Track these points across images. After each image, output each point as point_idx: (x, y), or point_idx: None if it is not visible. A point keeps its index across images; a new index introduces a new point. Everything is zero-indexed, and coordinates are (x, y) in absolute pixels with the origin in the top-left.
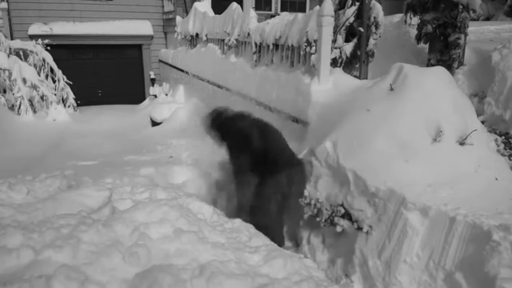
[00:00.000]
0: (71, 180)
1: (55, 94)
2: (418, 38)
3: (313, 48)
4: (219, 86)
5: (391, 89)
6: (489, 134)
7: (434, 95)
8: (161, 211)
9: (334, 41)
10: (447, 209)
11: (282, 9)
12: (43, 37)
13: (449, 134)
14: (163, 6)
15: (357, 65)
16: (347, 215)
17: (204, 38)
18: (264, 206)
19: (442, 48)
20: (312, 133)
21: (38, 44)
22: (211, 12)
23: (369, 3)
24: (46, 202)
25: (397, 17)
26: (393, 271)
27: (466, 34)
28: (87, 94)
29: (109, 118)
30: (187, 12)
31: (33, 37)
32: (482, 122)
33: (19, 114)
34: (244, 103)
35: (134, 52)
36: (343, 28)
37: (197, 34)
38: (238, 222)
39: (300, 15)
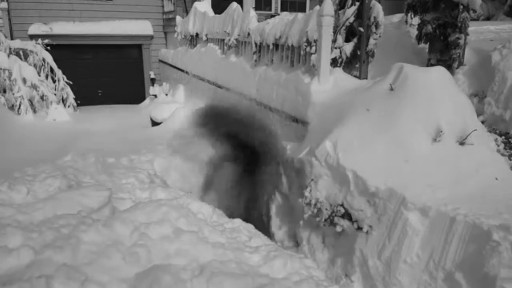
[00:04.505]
0: (71, 180)
1: (55, 94)
2: (418, 38)
3: (313, 48)
4: (219, 86)
5: (391, 89)
6: (489, 134)
7: (434, 95)
8: (161, 211)
9: (334, 41)
10: (447, 209)
11: (282, 9)
12: (43, 37)
13: (449, 134)
14: (163, 6)
15: (357, 65)
16: (347, 215)
17: (204, 38)
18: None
19: (442, 48)
20: (312, 133)
21: (38, 44)
22: (211, 12)
23: (369, 3)
24: (46, 202)
25: (397, 17)
26: (393, 271)
27: (466, 34)
28: (87, 94)
29: (109, 118)
30: (187, 12)
31: (33, 37)
32: (482, 122)
33: (19, 114)
34: (244, 103)
35: (134, 52)
36: (343, 28)
37: (197, 34)
38: (238, 222)
39: (300, 15)
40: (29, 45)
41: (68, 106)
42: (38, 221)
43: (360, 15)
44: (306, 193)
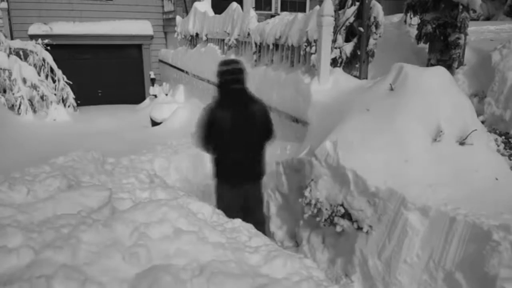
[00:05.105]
0: (71, 180)
1: (55, 94)
2: (418, 38)
3: (313, 48)
4: None
5: (391, 89)
6: (489, 134)
7: (434, 95)
8: (161, 211)
9: (334, 41)
10: (447, 209)
11: (282, 9)
12: (43, 37)
13: (449, 134)
14: (163, 6)
15: (357, 65)
16: (347, 215)
17: (204, 38)
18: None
19: (442, 48)
20: (312, 133)
21: (38, 44)
22: (211, 12)
23: (369, 3)
24: (46, 202)
25: (397, 17)
26: (393, 271)
27: (466, 34)
28: (87, 94)
29: (109, 118)
30: (187, 12)
31: (33, 37)
32: (482, 122)
33: (19, 114)
34: None
35: (134, 52)
36: (343, 28)
37: (197, 34)
38: (238, 222)
39: (300, 15)
40: (29, 45)
41: (68, 106)
42: (38, 221)
43: (360, 15)
44: (306, 193)
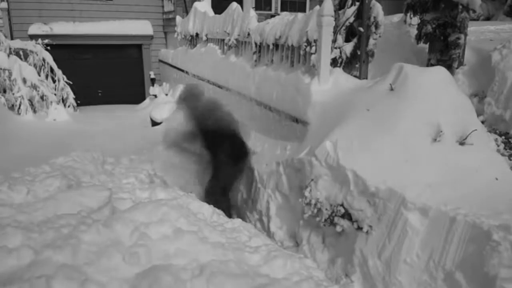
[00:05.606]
0: (71, 180)
1: (55, 94)
2: (418, 38)
3: (313, 48)
4: (219, 86)
5: (391, 89)
6: (489, 134)
7: (434, 95)
8: (161, 211)
9: (334, 41)
10: (447, 209)
11: (282, 9)
12: (43, 37)
13: (449, 134)
14: (163, 6)
15: (357, 65)
16: (347, 215)
17: (204, 38)
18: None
19: (442, 48)
20: (312, 133)
21: (38, 44)
22: (211, 12)
23: (369, 3)
24: (46, 202)
25: (397, 17)
26: (393, 271)
27: (466, 34)
28: (87, 94)
29: (109, 118)
30: (187, 12)
31: (33, 37)
32: (482, 122)
33: (19, 114)
34: (243, 103)
35: (134, 52)
36: (343, 28)
37: (197, 34)
38: (238, 222)
39: (300, 15)
40: (29, 45)
41: (68, 106)
42: (38, 221)
43: (360, 15)
44: (306, 193)
